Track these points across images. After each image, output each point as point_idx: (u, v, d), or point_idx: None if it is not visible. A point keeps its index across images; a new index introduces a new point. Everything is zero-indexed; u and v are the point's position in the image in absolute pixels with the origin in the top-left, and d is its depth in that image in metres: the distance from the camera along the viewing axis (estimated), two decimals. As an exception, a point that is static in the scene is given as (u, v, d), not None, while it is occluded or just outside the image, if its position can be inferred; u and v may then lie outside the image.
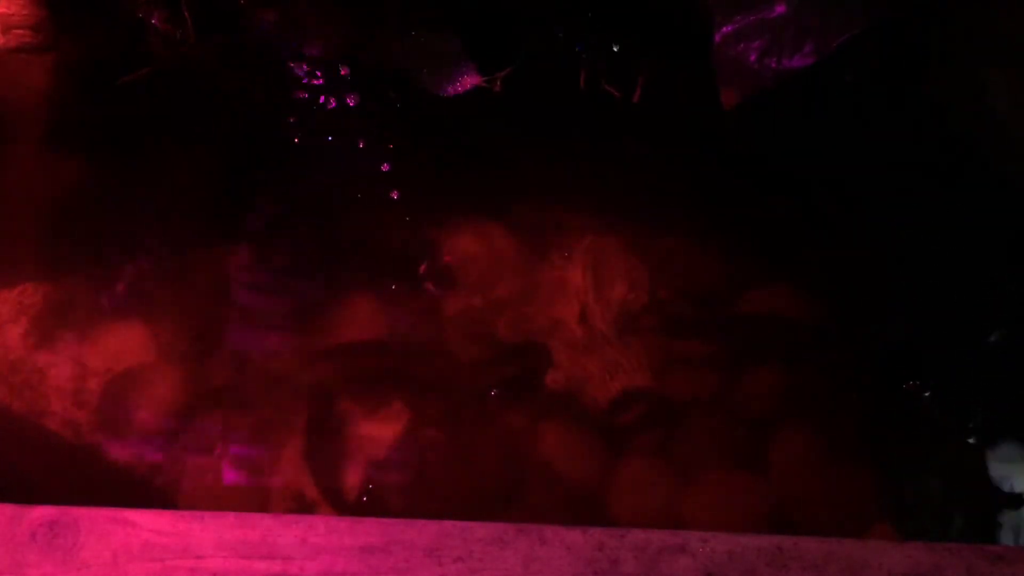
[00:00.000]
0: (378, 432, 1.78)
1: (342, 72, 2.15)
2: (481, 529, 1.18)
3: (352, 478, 1.74)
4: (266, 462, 1.74)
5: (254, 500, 1.72)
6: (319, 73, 2.14)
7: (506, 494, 1.74)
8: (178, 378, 1.81)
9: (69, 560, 1.14)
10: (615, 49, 2.15)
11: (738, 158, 2.08)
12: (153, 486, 1.71)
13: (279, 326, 1.87)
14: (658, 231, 1.98)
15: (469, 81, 2.13)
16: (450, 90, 2.13)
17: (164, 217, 1.98)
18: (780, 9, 2.01)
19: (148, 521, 1.18)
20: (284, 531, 1.17)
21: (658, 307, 1.91)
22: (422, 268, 1.95)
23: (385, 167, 2.05)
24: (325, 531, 1.17)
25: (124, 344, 1.83)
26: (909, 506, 1.72)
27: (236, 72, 2.16)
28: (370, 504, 1.71)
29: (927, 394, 1.77)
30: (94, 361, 1.81)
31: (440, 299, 1.91)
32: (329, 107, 2.11)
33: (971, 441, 1.74)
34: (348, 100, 2.12)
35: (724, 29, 2.03)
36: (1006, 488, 1.70)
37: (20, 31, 2.14)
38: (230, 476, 1.73)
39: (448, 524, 1.19)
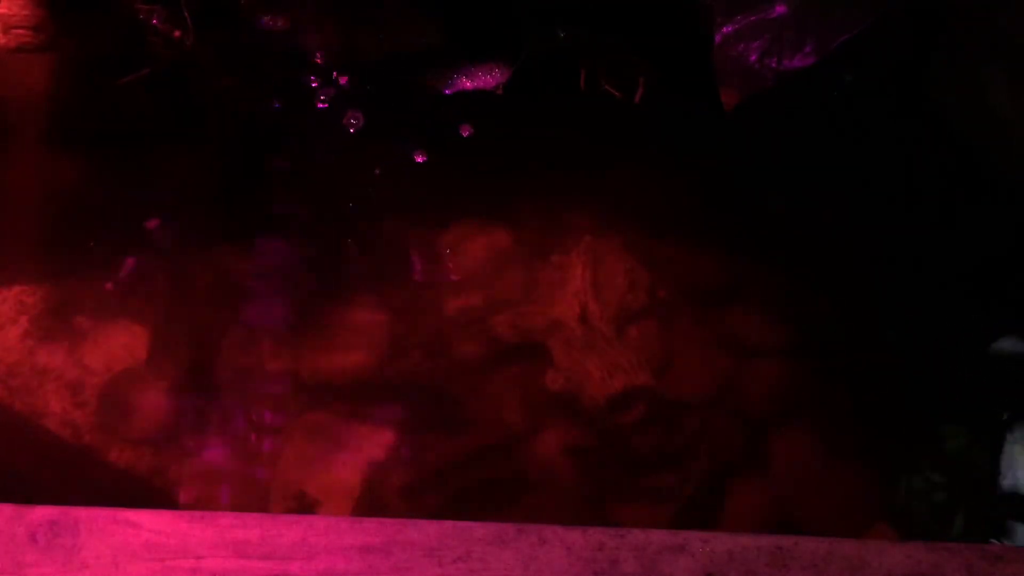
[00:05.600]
0: (378, 432, 1.78)
1: (342, 73, 2.15)
2: (481, 529, 1.18)
3: (352, 478, 1.73)
4: (266, 462, 1.74)
5: (254, 500, 1.72)
6: (319, 74, 2.14)
7: (506, 494, 1.74)
8: (178, 378, 1.81)
9: (69, 560, 1.14)
10: (615, 49, 2.15)
11: (738, 158, 2.08)
12: (153, 486, 1.71)
13: (279, 326, 1.87)
14: (658, 231, 1.98)
15: (470, 83, 2.13)
16: (451, 91, 2.13)
17: (164, 217, 1.98)
18: (780, 9, 2.01)
19: (148, 521, 1.18)
20: (284, 531, 1.17)
21: (658, 307, 1.91)
22: (422, 268, 1.95)
23: (386, 167, 2.05)
24: (325, 531, 1.17)
25: (124, 344, 1.83)
26: (909, 506, 1.72)
27: (236, 72, 2.16)
28: (370, 504, 1.71)
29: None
30: (94, 361, 1.81)
31: (440, 299, 1.91)
32: (329, 108, 2.11)
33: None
34: (348, 101, 2.12)
35: (724, 29, 2.03)
36: (1008, 487, 1.70)
37: (20, 31, 2.14)
38: (230, 476, 1.73)
39: (448, 524, 1.18)
